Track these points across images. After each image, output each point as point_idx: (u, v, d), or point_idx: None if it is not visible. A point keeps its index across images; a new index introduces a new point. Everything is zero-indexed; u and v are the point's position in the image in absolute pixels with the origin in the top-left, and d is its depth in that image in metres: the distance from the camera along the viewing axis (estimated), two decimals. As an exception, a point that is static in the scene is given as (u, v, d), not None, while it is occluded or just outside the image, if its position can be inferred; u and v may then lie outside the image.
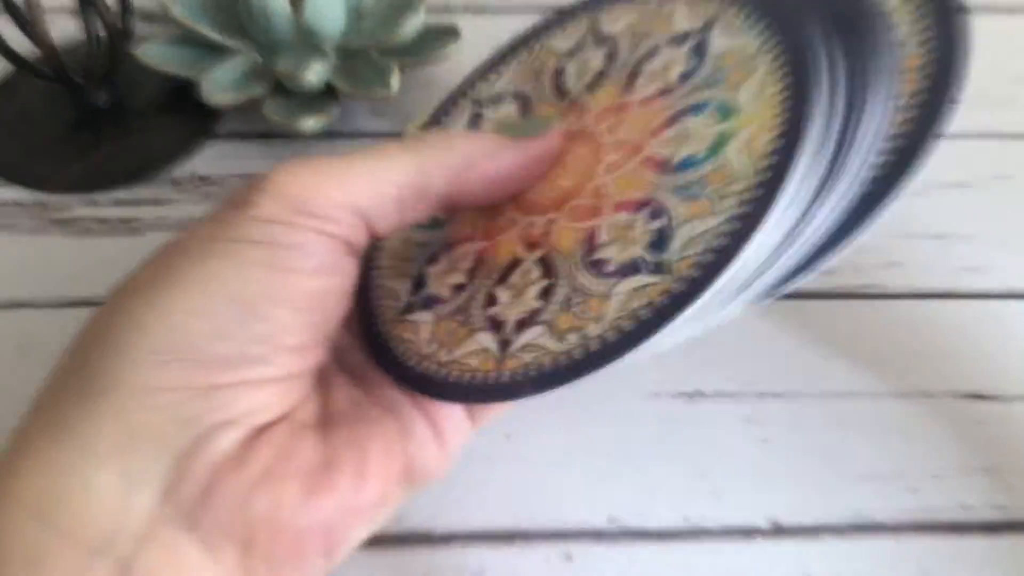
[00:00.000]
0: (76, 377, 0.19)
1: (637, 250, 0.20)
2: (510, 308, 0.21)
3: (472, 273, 0.23)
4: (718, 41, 0.22)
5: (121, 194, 0.36)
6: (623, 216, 0.20)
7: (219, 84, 0.37)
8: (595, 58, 0.24)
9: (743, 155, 0.19)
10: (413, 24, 0.37)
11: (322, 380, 0.23)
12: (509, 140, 0.23)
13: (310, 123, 0.35)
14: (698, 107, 0.21)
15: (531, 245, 0.22)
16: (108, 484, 0.18)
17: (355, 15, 0.38)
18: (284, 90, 0.37)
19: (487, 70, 0.27)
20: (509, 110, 0.26)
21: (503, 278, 0.22)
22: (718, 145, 0.20)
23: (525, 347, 0.20)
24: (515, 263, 0.22)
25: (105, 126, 0.38)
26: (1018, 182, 0.37)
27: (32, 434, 0.19)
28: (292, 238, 0.19)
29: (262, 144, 0.38)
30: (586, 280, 0.20)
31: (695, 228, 0.19)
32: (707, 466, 0.29)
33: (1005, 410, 0.30)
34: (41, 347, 0.31)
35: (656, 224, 0.20)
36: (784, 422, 0.30)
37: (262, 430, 0.20)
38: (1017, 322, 0.32)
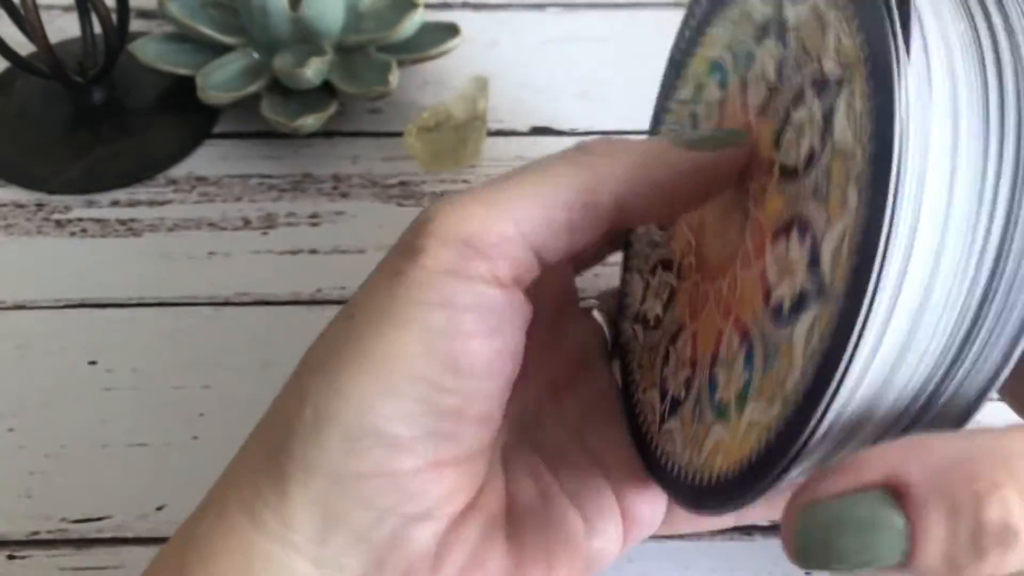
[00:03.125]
0: (273, 462, 0.18)
1: (801, 278, 0.16)
2: (728, 388, 0.19)
3: (694, 364, 0.20)
4: (791, 13, 0.19)
5: (119, 194, 0.36)
6: (781, 245, 0.17)
7: (217, 82, 0.37)
8: (713, 91, 0.23)
9: (848, 125, 0.16)
10: (412, 21, 0.37)
11: (508, 462, 0.22)
12: (682, 146, 0.20)
13: (308, 121, 0.35)
14: (800, 94, 0.18)
15: (726, 311, 0.19)
16: (303, 572, 0.18)
17: (354, 12, 0.38)
18: (282, 88, 0.37)
19: None
20: None
21: (715, 358, 0.19)
22: (827, 127, 0.16)
23: (750, 425, 0.17)
24: (719, 336, 0.19)
25: (103, 125, 0.38)
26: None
27: (230, 509, 0.18)
28: (470, 296, 0.18)
29: (260, 143, 0.38)
30: (770, 331, 0.17)
31: (834, 234, 0.15)
32: (707, 466, 0.29)
33: (1003, 409, 0.30)
34: (40, 347, 0.31)
35: (807, 242, 0.16)
36: (784, 421, 0.30)
37: (456, 523, 0.19)
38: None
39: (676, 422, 0.21)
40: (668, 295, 0.23)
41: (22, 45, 0.35)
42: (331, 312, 0.20)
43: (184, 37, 0.38)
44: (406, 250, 0.19)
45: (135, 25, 0.39)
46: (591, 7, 0.44)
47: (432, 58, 0.38)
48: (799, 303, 0.16)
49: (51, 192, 0.36)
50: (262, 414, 0.20)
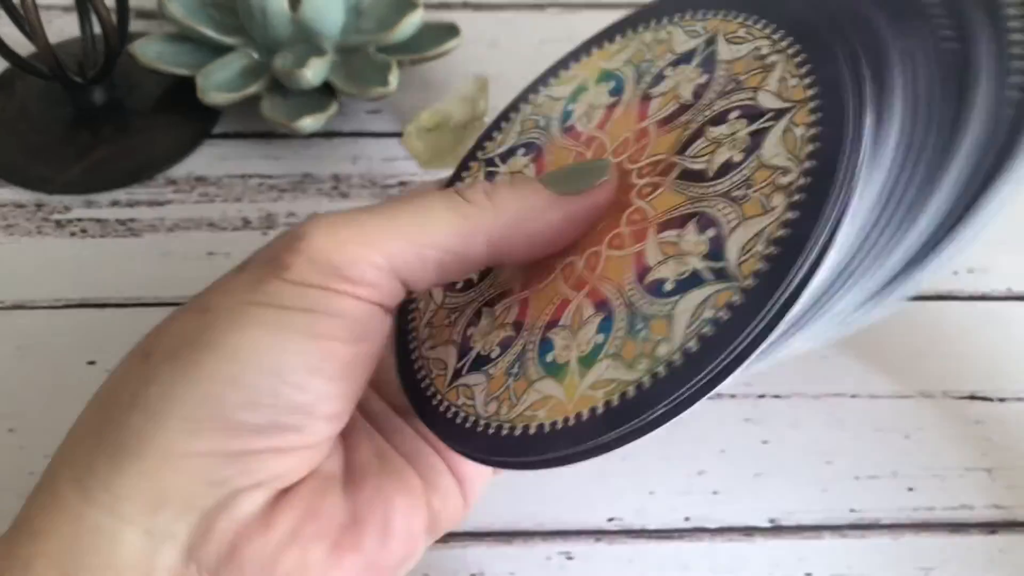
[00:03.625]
0: (108, 437, 0.19)
1: (694, 262, 0.19)
2: (568, 350, 0.20)
3: (519, 326, 0.22)
4: (724, 51, 0.22)
5: (119, 194, 0.36)
6: (669, 233, 0.20)
7: (217, 83, 0.37)
8: (600, 95, 0.25)
9: (782, 147, 0.19)
10: (412, 22, 0.37)
11: (346, 428, 0.22)
12: (557, 196, 0.21)
13: (308, 122, 0.35)
14: (722, 115, 0.21)
15: (578, 284, 0.21)
16: (134, 542, 0.18)
17: (354, 13, 0.38)
18: (282, 89, 0.37)
19: (487, 134, 0.27)
20: (523, 160, 0.25)
21: (553, 323, 0.21)
22: (754, 145, 0.19)
23: (595, 384, 0.19)
24: (563, 305, 0.21)
25: (103, 125, 0.38)
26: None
27: (61, 486, 0.19)
28: (331, 305, 0.19)
29: (260, 143, 0.38)
30: (645, 304, 0.19)
31: (749, 230, 0.18)
32: (707, 466, 0.29)
33: (1004, 410, 0.30)
34: (40, 347, 0.31)
35: (708, 234, 0.19)
36: (784, 422, 0.30)
37: (289, 489, 0.20)
38: (1017, 322, 0.32)
39: (479, 377, 0.22)
40: None
41: (22, 45, 0.35)
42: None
43: (184, 37, 0.38)
44: (272, 262, 0.19)
45: (135, 25, 0.40)
46: (591, 7, 0.44)
47: (432, 58, 0.38)
48: (687, 282, 0.19)
49: (51, 192, 0.36)
50: None
